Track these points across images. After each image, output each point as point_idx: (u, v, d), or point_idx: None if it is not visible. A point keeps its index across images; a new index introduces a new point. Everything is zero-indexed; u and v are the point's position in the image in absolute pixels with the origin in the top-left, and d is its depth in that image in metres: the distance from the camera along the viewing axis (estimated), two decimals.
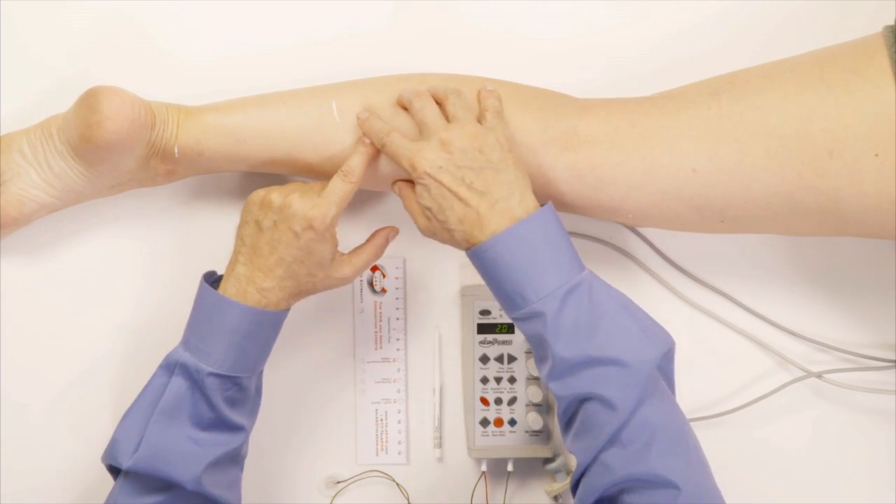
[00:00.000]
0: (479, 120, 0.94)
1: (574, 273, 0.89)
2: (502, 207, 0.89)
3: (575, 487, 0.88)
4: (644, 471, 0.83)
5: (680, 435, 0.86)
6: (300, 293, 0.95)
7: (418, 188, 0.92)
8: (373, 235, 1.00)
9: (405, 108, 0.96)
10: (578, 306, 0.87)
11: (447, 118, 0.94)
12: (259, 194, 0.95)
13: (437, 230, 0.93)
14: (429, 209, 0.92)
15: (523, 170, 0.92)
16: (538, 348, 0.90)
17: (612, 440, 0.84)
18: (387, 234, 1.00)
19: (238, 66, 1.08)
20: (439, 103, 0.95)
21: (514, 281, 0.88)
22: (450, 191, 0.90)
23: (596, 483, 0.85)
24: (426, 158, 0.91)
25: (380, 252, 0.99)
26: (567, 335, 0.86)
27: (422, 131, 0.94)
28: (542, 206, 0.91)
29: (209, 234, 1.07)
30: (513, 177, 0.91)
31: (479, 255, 0.90)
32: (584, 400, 0.87)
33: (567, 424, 0.90)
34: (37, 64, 1.08)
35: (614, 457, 0.84)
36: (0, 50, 1.07)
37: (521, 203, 0.90)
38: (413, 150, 0.92)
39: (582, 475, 0.87)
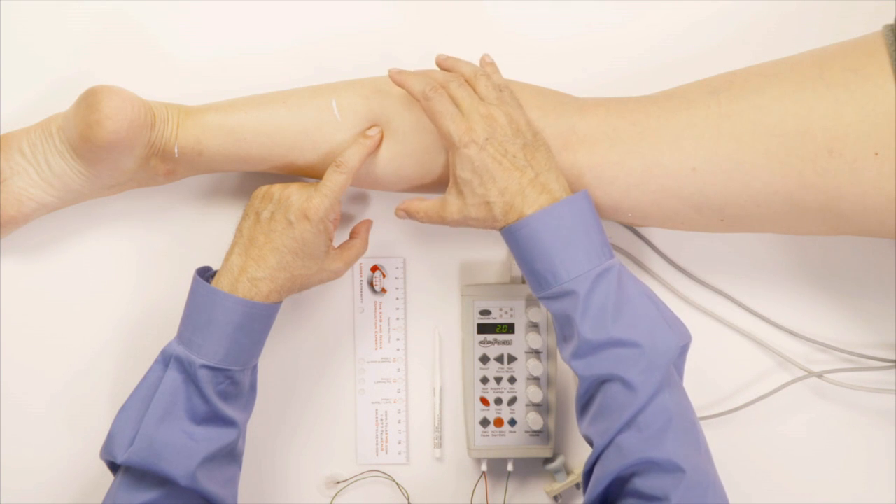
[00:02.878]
0: None
1: (605, 258, 0.90)
2: (543, 180, 0.91)
3: (588, 473, 0.89)
4: (658, 455, 0.85)
5: (692, 425, 0.88)
6: (293, 286, 0.96)
7: (461, 158, 0.92)
8: (356, 230, 1.04)
9: (417, 99, 0.95)
10: (607, 289, 0.89)
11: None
12: (262, 188, 0.97)
13: (472, 207, 0.93)
14: (468, 182, 0.92)
15: (552, 151, 0.94)
16: (563, 327, 0.92)
17: (630, 423, 0.86)
18: (368, 227, 1.04)
19: (238, 66, 1.08)
20: (469, 83, 0.96)
21: (548, 259, 0.90)
22: (495, 161, 0.91)
23: (610, 466, 0.86)
24: (473, 128, 0.91)
25: (367, 245, 1.03)
26: (594, 316, 0.88)
27: (460, 107, 0.93)
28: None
29: (208, 234, 1.07)
30: (546, 155, 0.93)
31: (515, 232, 0.91)
32: (604, 381, 0.88)
33: (585, 406, 0.91)
34: (37, 64, 1.08)
35: (630, 439, 0.86)
36: (0, 50, 1.08)
37: (558, 181, 0.92)
38: (460, 116, 0.92)
39: (596, 460, 0.88)
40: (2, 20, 1.08)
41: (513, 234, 0.92)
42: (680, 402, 0.89)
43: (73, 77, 1.05)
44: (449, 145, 0.93)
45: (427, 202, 0.97)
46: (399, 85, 0.95)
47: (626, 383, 0.87)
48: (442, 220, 0.96)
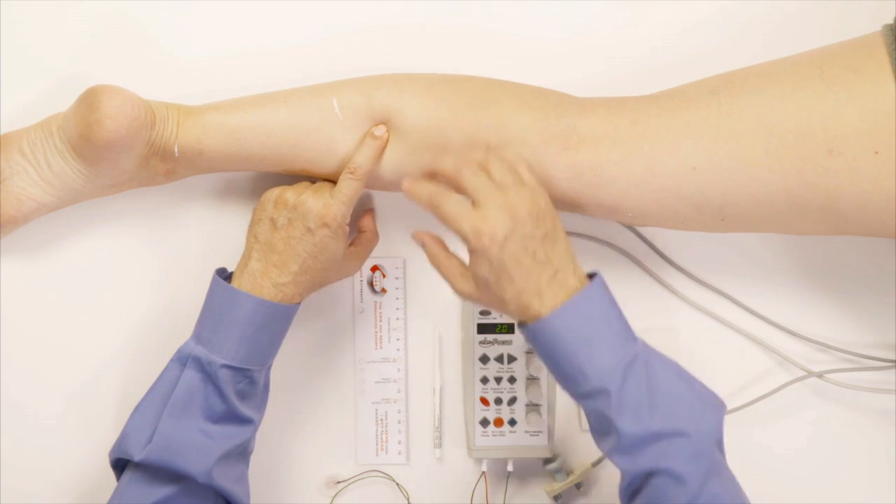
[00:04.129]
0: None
1: (630, 346, 0.87)
2: (561, 278, 0.87)
3: None
4: None
5: None
6: (313, 286, 0.98)
7: (475, 258, 0.86)
8: (362, 224, 1.04)
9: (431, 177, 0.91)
10: (639, 380, 0.86)
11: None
12: (273, 193, 0.97)
13: (486, 300, 0.89)
14: (484, 280, 0.87)
15: (568, 238, 0.90)
16: (599, 423, 0.88)
17: None
18: (373, 217, 1.04)
19: (238, 66, 1.08)
20: (482, 167, 0.89)
21: (573, 359, 0.86)
22: (515, 261, 0.85)
23: None
24: (489, 228, 0.85)
25: (377, 234, 1.04)
26: (630, 410, 0.85)
27: (476, 199, 0.87)
28: (591, 276, 0.89)
29: (209, 233, 1.07)
30: (565, 244, 0.89)
31: (536, 332, 0.87)
32: (650, 474, 0.85)
33: (631, 498, 0.88)
34: (37, 64, 1.08)
35: None
36: (0, 50, 1.08)
37: (575, 272, 0.88)
38: (476, 216, 0.86)
39: None
40: (2, 20, 1.08)
41: (533, 335, 0.88)
42: (728, 487, 0.86)
43: (73, 77, 1.05)
44: (465, 244, 0.87)
45: (449, 261, 0.91)
46: (410, 198, 0.90)
47: (673, 475, 0.83)
48: (452, 287, 0.91)
